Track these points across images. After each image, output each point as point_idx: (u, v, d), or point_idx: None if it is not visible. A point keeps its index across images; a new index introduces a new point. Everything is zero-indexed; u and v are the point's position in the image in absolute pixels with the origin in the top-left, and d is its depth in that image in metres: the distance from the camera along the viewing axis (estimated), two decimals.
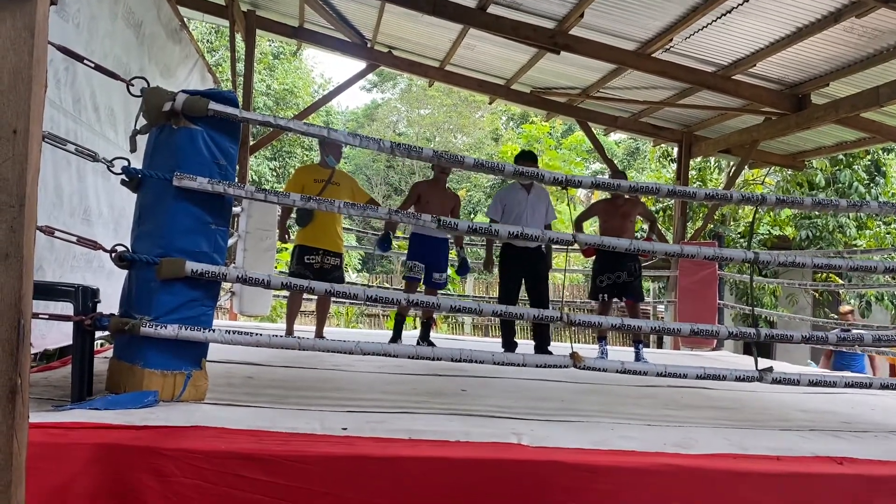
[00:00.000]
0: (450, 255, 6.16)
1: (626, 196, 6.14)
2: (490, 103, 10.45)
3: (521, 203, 5.78)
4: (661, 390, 4.16)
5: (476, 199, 23.73)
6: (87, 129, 3.97)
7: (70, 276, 3.69)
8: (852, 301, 12.38)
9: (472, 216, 21.88)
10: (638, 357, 5.97)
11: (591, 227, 10.17)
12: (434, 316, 6.73)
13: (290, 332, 5.68)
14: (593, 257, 6.25)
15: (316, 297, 6.29)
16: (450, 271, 6.45)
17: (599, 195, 8.40)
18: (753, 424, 3.26)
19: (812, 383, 3.34)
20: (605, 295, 6.04)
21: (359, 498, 2.21)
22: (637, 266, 6.07)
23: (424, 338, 5.94)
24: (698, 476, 2.40)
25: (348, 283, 9.29)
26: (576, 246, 6.12)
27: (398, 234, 8.29)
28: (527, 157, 5.77)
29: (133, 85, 2.72)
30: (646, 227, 6.44)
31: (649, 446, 2.55)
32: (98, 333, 2.80)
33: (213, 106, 2.71)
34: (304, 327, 6.97)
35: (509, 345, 5.81)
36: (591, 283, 6.21)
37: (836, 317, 12.42)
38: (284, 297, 8.26)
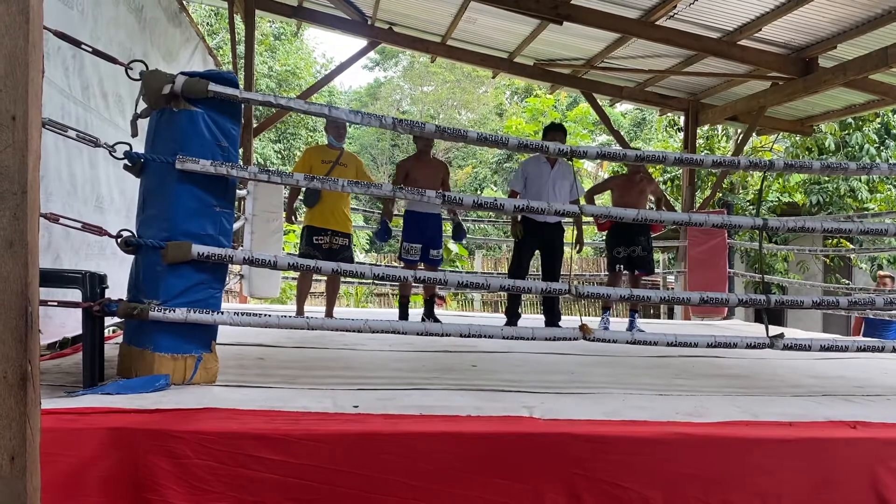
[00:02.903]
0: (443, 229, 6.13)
1: (642, 174, 6.12)
2: (493, 77, 10.37)
3: (544, 176, 5.74)
4: (672, 360, 4.15)
5: (482, 175, 23.65)
6: (96, 116, 3.96)
7: (85, 263, 3.70)
8: (863, 266, 12.30)
9: (478, 192, 21.80)
10: (632, 325, 5.99)
11: (600, 201, 10.09)
12: (443, 294, 6.70)
13: (300, 312, 5.71)
14: (607, 230, 6.25)
15: (325, 277, 6.29)
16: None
17: (608, 167, 8.33)
18: (765, 391, 3.26)
19: (824, 348, 3.32)
20: (620, 266, 6.07)
21: (371, 475, 2.22)
22: (650, 240, 6.12)
23: (429, 315, 5.94)
24: (710, 444, 2.40)
25: (356, 262, 9.28)
26: (587, 218, 6.12)
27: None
28: (556, 129, 5.72)
29: (132, 68, 2.70)
30: (654, 205, 6.42)
31: (661, 416, 2.55)
32: (113, 320, 2.81)
33: (213, 87, 2.70)
34: (315, 308, 6.99)
35: (514, 317, 5.81)
36: (608, 255, 6.23)
37: (847, 283, 12.37)
38: (294, 278, 8.28)
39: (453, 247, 14.61)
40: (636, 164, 6.00)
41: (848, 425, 2.56)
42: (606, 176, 16.79)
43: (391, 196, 3.06)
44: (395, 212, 6.55)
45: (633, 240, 6.02)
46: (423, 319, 5.92)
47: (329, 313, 5.80)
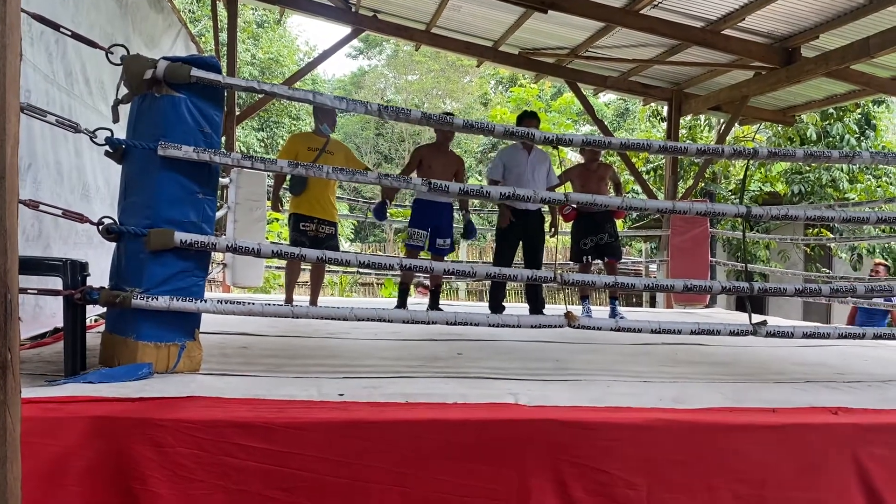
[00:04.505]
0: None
1: (599, 161, 6.14)
2: (478, 66, 10.35)
3: (522, 164, 5.74)
4: (656, 348, 4.17)
5: (468, 164, 23.58)
6: (80, 103, 3.91)
7: (74, 252, 3.66)
8: (843, 255, 12.43)
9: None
10: (614, 313, 6.01)
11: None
12: (427, 283, 6.64)
13: (289, 300, 5.67)
14: (572, 221, 6.24)
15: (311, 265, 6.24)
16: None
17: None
18: (749, 378, 3.28)
19: (806, 335, 3.35)
20: (588, 257, 6.09)
21: (356, 462, 2.21)
22: (615, 226, 6.15)
23: (434, 306, 5.88)
24: (694, 430, 2.42)
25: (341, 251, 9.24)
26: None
27: (396, 201, 8.20)
28: (530, 117, 5.72)
29: (112, 53, 2.66)
30: (612, 192, 6.40)
31: (645, 402, 2.56)
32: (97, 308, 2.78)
33: (196, 72, 2.66)
34: (300, 297, 6.96)
35: (498, 307, 5.81)
36: (573, 246, 6.23)
37: (827, 272, 12.50)
38: (278, 267, 8.23)
39: None
40: (592, 152, 6.04)
41: (830, 411, 2.59)
42: None
43: (376, 183, 3.02)
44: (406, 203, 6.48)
45: (600, 227, 6.03)
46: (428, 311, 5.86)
47: (313, 302, 5.78)
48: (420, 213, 5.75)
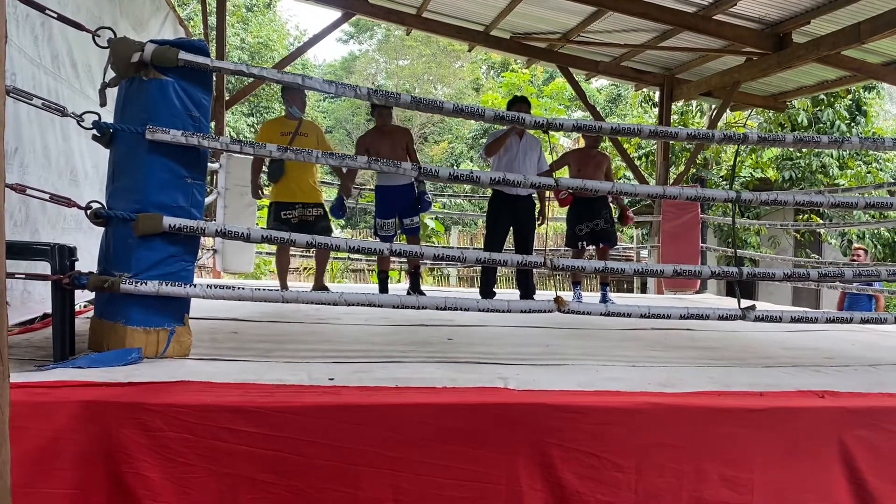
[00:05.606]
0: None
1: (598, 149, 6.14)
2: (469, 51, 10.27)
3: (514, 148, 5.73)
4: (645, 333, 4.19)
5: (458, 150, 23.57)
6: (66, 86, 3.87)
7: (63, 237, 3.64)
8: (833, 241, 12.50)
9: (455, 167, 21.69)
10: (604, 299, 6.03)
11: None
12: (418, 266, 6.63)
13: (283, 287, 5.65)
14: (567, 206, 6.24)
15: (314, 251, 6.15)
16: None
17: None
18: (737, 363, 3.30)
19: (794, 320, 3.37)
20: (583, 242, 6.09)
21: (346, 446, 2.22)
22: (610, 213, 6.15)
23: (415, 289, 5.90)
24: (683, 413, 2.43)
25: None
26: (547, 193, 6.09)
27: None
28: (520, 102, 5.70)
29: (99, 35, 2.63)
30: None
31: (634, 386, 2.57)
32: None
33: (183, 55, 2.64)
34: (297, 285, 6.94)
35: (488, 293, 5.82)
36: (568, 231, 6.22)
37: (817, 257, 12.58)
38: (269, 253, 8.21)
39: (430, 222, 14.60)
40: (594, 138, 6.04)
41: (817, 395, 2.61)
42: None
43: (366, 168, 2.99)
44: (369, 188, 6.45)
45: (595, 213, 6.04)
46: (408, 293, 5.89)
47: (318, 282, 5.74)
48: (383, 201, 5.73)
